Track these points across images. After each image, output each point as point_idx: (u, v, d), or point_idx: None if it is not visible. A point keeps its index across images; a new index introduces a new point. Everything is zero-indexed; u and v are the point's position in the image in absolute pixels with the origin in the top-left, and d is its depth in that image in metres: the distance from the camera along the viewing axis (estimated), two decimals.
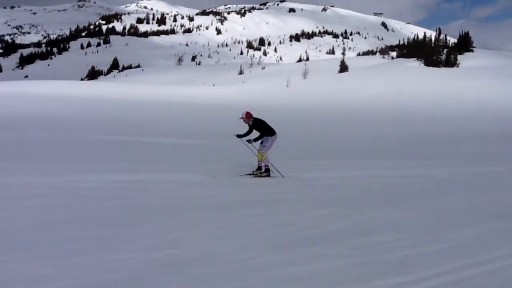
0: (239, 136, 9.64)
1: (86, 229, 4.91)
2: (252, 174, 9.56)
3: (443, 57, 71.19)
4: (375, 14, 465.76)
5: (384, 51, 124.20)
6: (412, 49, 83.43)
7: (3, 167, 8.73)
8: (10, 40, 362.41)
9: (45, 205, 5.93)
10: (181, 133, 21.07)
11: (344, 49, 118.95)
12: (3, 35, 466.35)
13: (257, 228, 5.22)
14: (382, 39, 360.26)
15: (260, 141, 9.59)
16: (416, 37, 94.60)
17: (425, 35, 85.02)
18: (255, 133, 9.80)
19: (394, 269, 3.93)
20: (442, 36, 79.81)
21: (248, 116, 9.39)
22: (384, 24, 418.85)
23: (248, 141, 9.54)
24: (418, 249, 4.59)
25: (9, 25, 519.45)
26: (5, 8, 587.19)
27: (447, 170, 11.63)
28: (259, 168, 9.58)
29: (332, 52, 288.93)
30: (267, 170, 9.49)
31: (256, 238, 4.79)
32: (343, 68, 78.22)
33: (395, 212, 6.46)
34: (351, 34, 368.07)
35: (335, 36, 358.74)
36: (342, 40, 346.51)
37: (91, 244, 4.34)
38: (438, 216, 6.28)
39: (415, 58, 75.82)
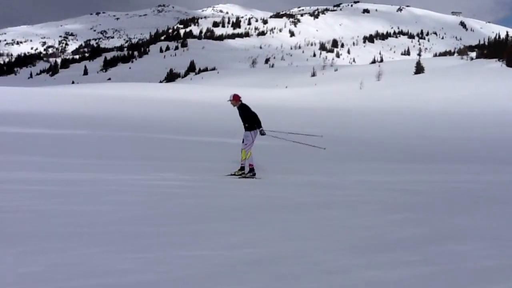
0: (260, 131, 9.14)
1: (163, 226, 5.00)
2: (234, 175, 9.02)
3: None
4: (453, 13, 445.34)
5: (463, 51, 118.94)
6: (493, 50, 79.78)
7: (87, 164, 9.35)
8: (95, 45, 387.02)
9: (123, 202, 6.14)
10: None
11: (420, 50, 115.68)
12: (89, 40, 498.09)
13: (334, 231, 5.14)
14: (460, 39, 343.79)
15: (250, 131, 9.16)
16: (497, 37, 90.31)
17: (507, 35, 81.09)
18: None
19: (478, 279, 3.75)
20: None
21: (235, 99, 9.14)
22: (462, 24, 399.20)
23: (261, 133, 9.13)
24: (501, 259, 4.30)
25: (94, 31, 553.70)
26: (91, 14, 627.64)
27: None
28: (242, 168, 9.05)
29: (407, 53, 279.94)
30: (252, 170, 8.96)
31: (334, 241, 4.71)
32: (419, 69, 76.32)
33: (473, 218, 6.15)
34: (427, 35, 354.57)
35: (411, 36, 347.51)
36: (418, 41, 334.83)
37: (168, 240, 4.41)
38: None
39: (496, 59, 72.44)
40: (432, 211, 6.60)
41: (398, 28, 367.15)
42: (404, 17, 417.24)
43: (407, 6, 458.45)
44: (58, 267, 3.54)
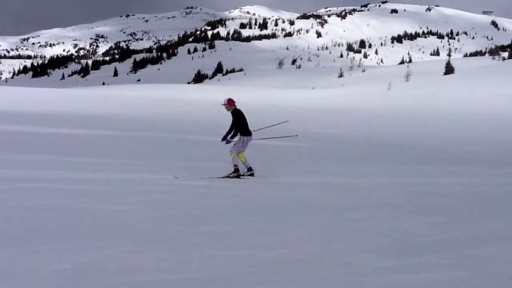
0: (224, 139, 9.22)
1: (198, 225, 5.09)
2: (243, 175, 9.11)
3: None
4: (484, 12, 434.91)
5: (494, 51, 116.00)
6: None
7: (118, 164, 9.58)
8: (125, 47, 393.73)
9: (153, 201, 6.25)
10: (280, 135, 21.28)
11: (449, 50, 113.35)
12: (119, 42, 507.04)
13: (364, 233, 5.12)
14: (491, 39, 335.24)
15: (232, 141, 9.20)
16: None
17: None
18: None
19: (509, 284, 3.70)
20: None
21: (230, 103, 9.15)
22: (494, 23, 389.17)
23: (227, 141, 9.17)
24: None
25: (124, 33, 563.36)
26: (121, 17, 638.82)
27: None
28: (250, 169, 9.09)
29: (436, 53, 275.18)
30: (236, 171, 8.96)
31: (364, 243, 4.69)
32: (449, 69, 74.81)
33: (505, 223, 6.04)
34: (457, 34, 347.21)
35: (440, 36, 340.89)
36: (448, 41, 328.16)
37: (204, 240, 4.49)
38: None
39: None
40: (462, 214, 6.53)
41: (427, 28, 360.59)
42: (433, 17, 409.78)
43: (436, 6, 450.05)
44: (88, 265, 3.62)
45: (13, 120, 18.95)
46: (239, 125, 9.05)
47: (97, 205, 5.79)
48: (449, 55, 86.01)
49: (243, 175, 9.13)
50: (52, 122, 19.08)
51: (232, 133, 9.12)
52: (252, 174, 9.09)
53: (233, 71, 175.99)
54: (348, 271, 3.79)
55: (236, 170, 8.87)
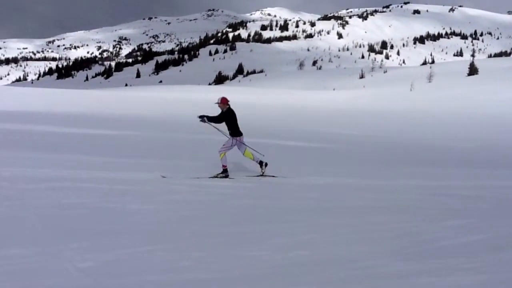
0: (203, 117, 9.13)
1: (220, 225, 5.14)
2: (263, 174, 9.20)
3: None
4: (509, 12, 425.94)
5: None
6: None
7: (144, 164, 9.67)
8: (147, 49, 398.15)
9: (180, 201, 6.34)
10: (303, 136, 20.91)
11: (473, 51, 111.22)
12: (142, 44, 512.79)
13: (386, 236, 5.10)
14: None
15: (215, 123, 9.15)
16: None
17: None
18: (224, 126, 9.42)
19: None
20: None
21: (223, 102, 9.08)
22: None
23: (202, 120, 9.09)
24: None
25: (147, 35, 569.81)
26: (143, 19, 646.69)
27: None
28: (224, 171, 8.96)
29: (459, 54, 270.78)
30: (225, 171, 8.89)
31: (386, 246, 4.67)
32: (473, 70, 73.41)
33: None
34: (481, 35, 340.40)
35: (464, 37, 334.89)
36: (471, 42, 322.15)
37: (226, 240, 4.53)
38: None
39: None
40: (488, 218, 6.43)
41: (450, 29, 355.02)
42: (456, 18, 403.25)
43: (460, 6, 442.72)
44: (111, 263, 3.69)
45: (39, 120, 19.34)
46: (230, 125, 9.04)
47: (122, 204, 5.87)
48: (473, 55, 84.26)
49: (262, 174, 9.17)
50: (75, 122, 19.41)
51: (216, 122, 9.08)
52: (266, 164, 9.18)
53: (253, 72, 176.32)
54: (369, 273, 3.79)
55: (225, 171, 8.84)
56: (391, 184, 9.28)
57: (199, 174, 8.91)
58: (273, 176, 9.15)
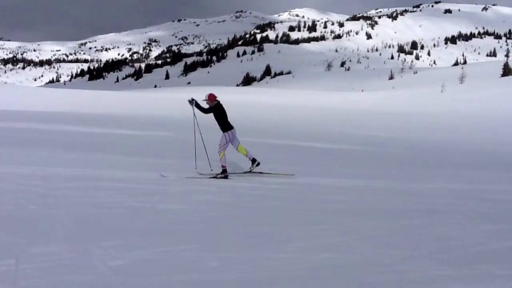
0: (193, 102, 9.17)
1: (248, 226, 5.15)
2: (251, 171, 9.16)
3: None
4: None
5: None
6: None
7: (174, 164, 9.69)
8: (176, 50, 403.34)
9: (209, 201, 6.40)
10: (332, 138, 20.94)
11: (507, 51, 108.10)
12: (171, 46, 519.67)
13: (419, 239, 5.00)
14: None
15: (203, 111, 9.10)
16: None
17: None
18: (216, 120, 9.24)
19: None
20: None
21: (211, 98, 9.03)
22: None
23: (190, 102, 9.14)
24: None
25: (176, 37, 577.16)
26: (173, 21, 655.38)
27: None
28: (224, 171, 8.85)
29: (493, 54, 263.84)
30: (224, 171, 8.77)
31: (418, 250, 4.58)
32: (507, 71, 71.50)
33: None
34: None
35: (497, 37, 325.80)
36: (506, 41, 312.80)
37: (253, 241, 4.53)
38: None
39: None
40: None
41: (483, 29, 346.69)
42: (489, 17, 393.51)
43: (493, 5, 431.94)
44: (141, 262, 3.73)
45: (71, 120, 19.81)
46: (220, 120, 8.98)
47: (153, 203, 5.94)
48: (507, 56, 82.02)
49: (250, 171, 9.11)
50: (106, 123, 19.79)
51: (203, 111, 9.03)
52: (258, 164, 9.07)
53: (281, 73, 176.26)
54: (400, 278, 3.73)
55: (224, 171, 8.77)
56: (422, 188, 9.10)
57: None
58: (260, 173, 9.10)
